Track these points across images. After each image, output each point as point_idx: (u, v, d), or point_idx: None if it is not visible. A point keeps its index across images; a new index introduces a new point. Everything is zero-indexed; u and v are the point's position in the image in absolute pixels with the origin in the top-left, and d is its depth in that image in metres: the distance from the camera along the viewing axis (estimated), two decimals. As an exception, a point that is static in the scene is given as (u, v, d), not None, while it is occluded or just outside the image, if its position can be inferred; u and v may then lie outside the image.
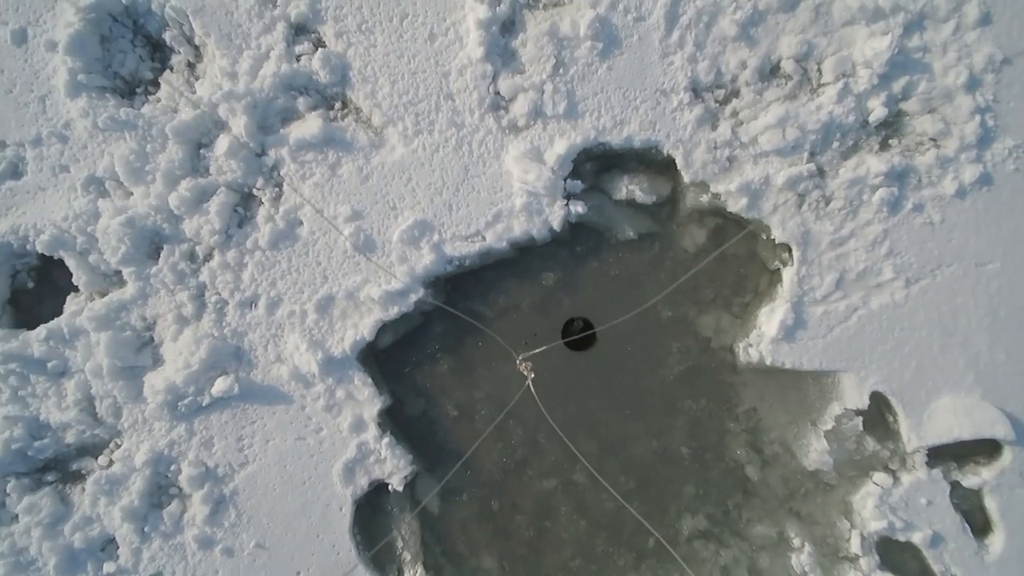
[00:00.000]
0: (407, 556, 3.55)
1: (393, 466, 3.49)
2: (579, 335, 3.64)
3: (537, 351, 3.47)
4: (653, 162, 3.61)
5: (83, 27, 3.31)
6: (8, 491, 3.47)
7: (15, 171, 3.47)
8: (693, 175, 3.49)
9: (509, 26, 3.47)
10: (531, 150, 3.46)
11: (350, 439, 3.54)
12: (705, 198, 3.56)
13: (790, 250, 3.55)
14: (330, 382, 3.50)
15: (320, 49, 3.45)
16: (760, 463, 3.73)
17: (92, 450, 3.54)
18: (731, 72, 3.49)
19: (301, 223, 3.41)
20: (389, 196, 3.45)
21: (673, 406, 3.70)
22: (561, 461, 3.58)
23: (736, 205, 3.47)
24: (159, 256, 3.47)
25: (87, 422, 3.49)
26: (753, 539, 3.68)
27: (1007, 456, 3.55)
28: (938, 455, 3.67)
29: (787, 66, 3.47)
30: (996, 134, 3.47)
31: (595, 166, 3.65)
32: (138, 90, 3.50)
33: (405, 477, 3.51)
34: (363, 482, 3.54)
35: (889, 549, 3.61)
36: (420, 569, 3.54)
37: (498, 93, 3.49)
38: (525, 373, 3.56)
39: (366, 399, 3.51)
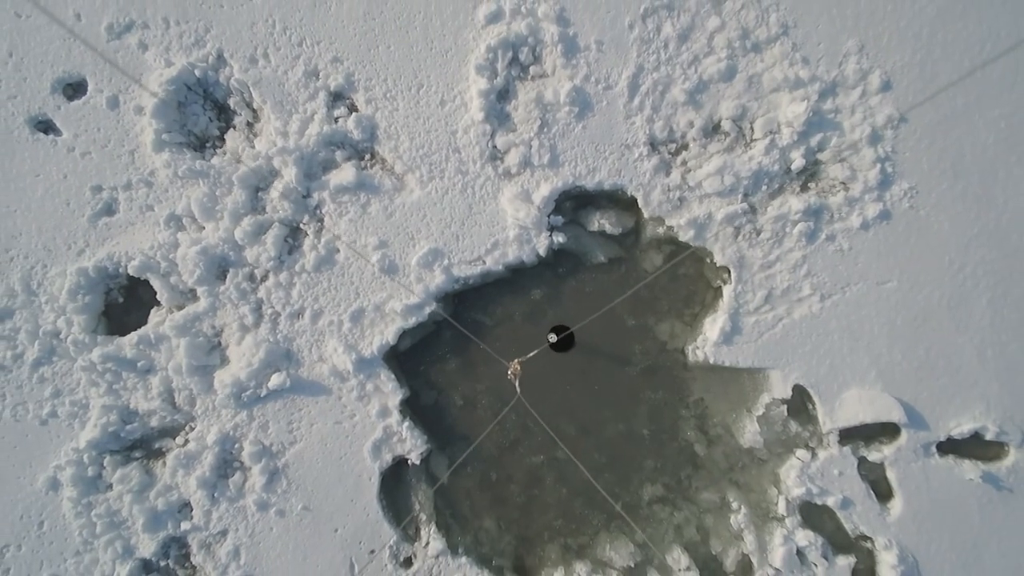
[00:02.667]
0: (423, 517, 4.06)
1: (411, 444, 4.01)
2: (561, 337, 4.07)
3: (527, 357, 3.73)
4: (620, 201, 4.11)
5: (165, 96, 3.80)
6: (104, 465, 3.94)
7: (109, 209, 3.93)
8: (651, 211, 4.01)
9: (504, 94, 3.96)
10: (522, 192, 3.95)
11: (377, 423, 4.01)
12: (661, 230, 4.06)
13: (729, 271, 4.01)
14: (361, 377, 3.98)
15: (354, 112, 3.94)
16: (706, 442, 4.18)
17: (171, 432, 3.99)
18: (681, 130, 3.98)
19: (338, 251, 3.93)
20: (408, 229, 3.97)
21: (636, 396, 4.19)
22: (547, 441, 4.06)
23: (685, 235, 3.98)
24: (226, 277, 3.94)
25: (168, 410, 3.96)
26: (700, 503, 4.16)
27: (904, 436, 4.00)
28: (848, 435, 4.07)
29: (726, 125, 3.97)
30: (894, 179, 3.95)
31: (573, 204, 4.12)
32: (208, 145, 3.98)
33: (421, 453, 4.03)
34: (388, 457, 4.02)
35: (809, 511, 4.04)
36: (433, 528, 4.04)
37: (495, 147, 3.96)
38: (512, 379, 3.75)
39: (390, 391, 4.00)
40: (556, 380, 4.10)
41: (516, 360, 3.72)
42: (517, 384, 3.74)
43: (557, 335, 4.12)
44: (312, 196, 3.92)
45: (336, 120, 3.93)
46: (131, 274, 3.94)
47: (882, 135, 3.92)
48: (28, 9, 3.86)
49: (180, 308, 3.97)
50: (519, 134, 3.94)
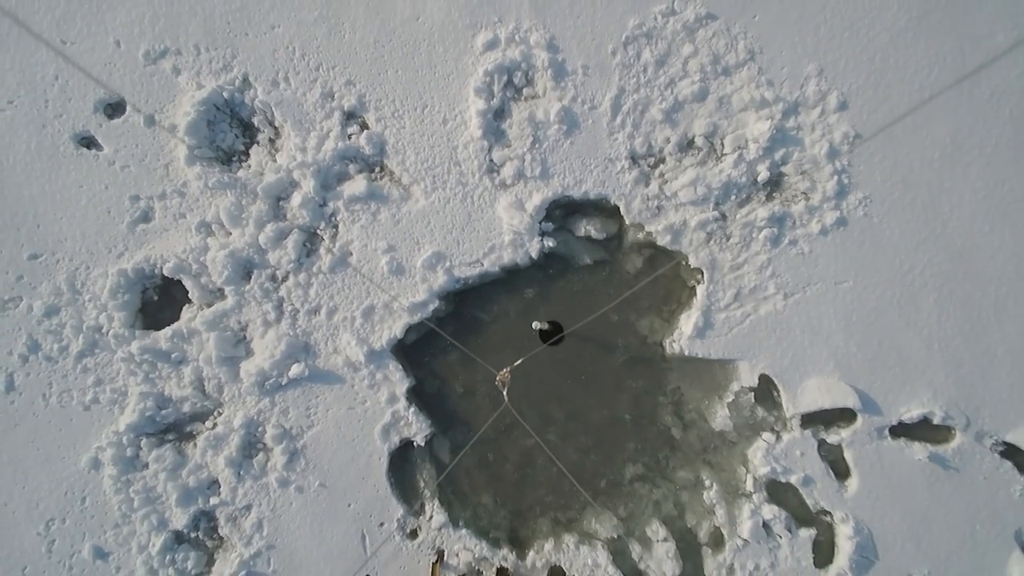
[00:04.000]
0: (427, 493, 4.36)
1: (417, 428, 4.32)
2: (551, 336, 4.36)
3: (515, 364, 3.92)
4: (604, 209, 4.42)
5: (196, 115, 4.14)
6: (141, 446, 4.24)
7: (146, 217, 4.25)
8: (632, 219, 4.33)
9: (500, 114, 4.29)
10: (516, 202, 4.28)
11: (386, 408, 4.31)
12: (641, 235, 4.37)
13: (702, 273, 4.32)
14: (372, 368, 4.30)
15: (365, 130, 4.28)
16: (682, 426, 4.48)
17: (202, 416, 4.30)
18: (659, 145, 4.30)
19: (351, 254, 4.25)
20: (414, 234, 4.29)
21: (619, 385, 4.49)
22: (538, 426, 4.40)
23: (663, 240, 4.31)
24: (251, 278, 4.25)
25: (199, 397, 4.27)
26: (677, 481, 4.45)
27: (859, 421, 4.29)
28: (809, 420, 4.36)
29: (699, 141, 4.30)
30: (849, 189, 4.27)
31: (562, 212, 4.43)
32: (234, 159, 4.30)
33: (425, 436, 4.34)
34: (395, 439, 4.33)
35: (774, 488, 4.33)
36: (436, 503, 4.34)
37: (492, 161, 4.28)
38: (501, 387, 3.93)
39: (397, 380, 4.32)
40: (547, 370, 4.41)
41: (506, 368, 3.94)
42: (505, 393, 3.97)
43: (544, 328, 4.39)
44: (328, 205, 4.25)
45: (349, 137, 4.27)
46: (166, 275, 4.26)
47: (839, 150, 4.24)
48: (72, 37, 4.23)
49: (210, 305, 4.28)
50: (513, 149, 4.26)
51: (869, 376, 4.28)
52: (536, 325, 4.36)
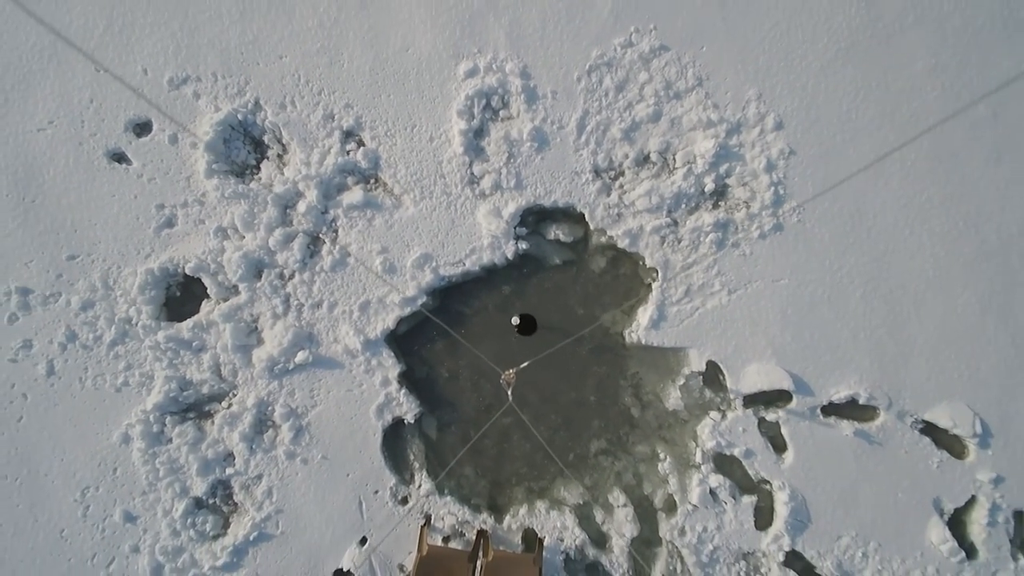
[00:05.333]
0: (416, 465, 4.68)
1: (407, 408, 4.61)
2: (526, 327, 4.74)
3: (521, 367, 4.14)
4: (571, 216, 4.75)
5: (214, 134, 4.53)
6: (166, 423, 4.52)
7: (170, 223, 4.58)
8: (596, 224, 4.67)
9: (479, 133, 4.64)
10: (494, 209, 4.61)
11: (380, 391, 4.58)
12: (604, 239, 4.71)
13: (656, 272, 4.65)
14: (367, 355, 4.57)
15: (361, 147, 4.62)
16: (640, 406, 4.77)
17: (219, 397, 4.60)
18: (618, 160, 4.65)
19: (349, 255, 4.59)
20: (404, 238, 4.61)
21: (585, 371, 4.79)
22: (504, 408, 4.52)
23: (623, 243, 4.65)
24: (261, 276, 4.57)
25: (216, 380, 4.57)
26: (636, 455, 4.75)
27: (794, 401, 4.59)
28: (750, 400, 4.62)
29: (653, 157, 4.65)
30: (785, 199, 4.62)
31: (534, 218, 4.75)
32: (247, 172, 4.64)
33: (415, 415, 4.62)
34: (388, 418, 4.58)
35: (720, 460, 4.62)
36: (424, 473, 4.64)
37: (473, 174, 4.61)
38: (506, 387, 4.13)
39: (390, 366, 4.59)
40: (521, 358, 4.73)
41: (512, 370, 4.09)
42: (509, 392, 4.14)
43: (521, 322, 4.79)
44: (329, 212, 4.62)
45: (348, 152, 4.63)
46: (187, 273, 4.60)
47: (776, 164, 4.63)
48: (106, 64, 4.74)
49: (225, 300, 4.61)
50: (491, 164, 4.64)
51: (803, 362, 4.61)
52: (516, 320, 4.76)
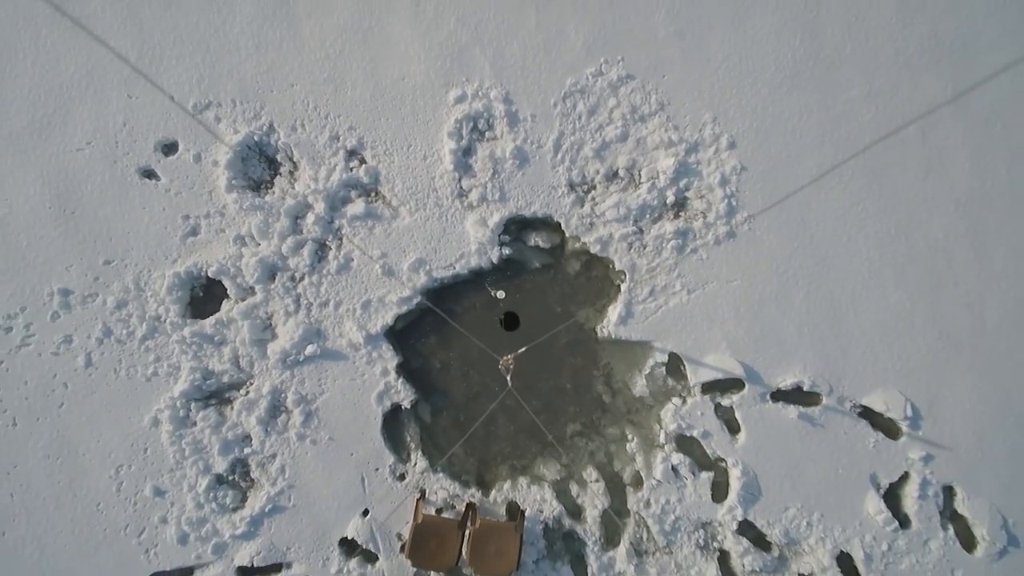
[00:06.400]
0: (412, 446, 5.09)
1: (404, 395, 4.97)
2: (510, 322, 5.21)
3: (518, 352, 4.41)
4: (549, 224, 5.12)
5: (233, 154, 4.97)
6: (191, 409, 4.89)
7: (194, 232, 4.96)
8: (571, 232, 5.07)
9: (467, 151, 5.05)
10: (480, 219, 5.01)
11: (380, 379, 4.90)
12: (578, 245, 5.11)
13: (624, 274, 5.05)
14: (369, 348, 4.88)
15: (363, 164, 5.00)
16: (611, 393, 5.12)
17: (237, 386, 4.92)
18: (590, 176, 5.07)
19: (353, 260, 5.02)
20: (402, 244, 5.01)
21: (562, 362, 5.16)
22: (501, 392, 4.91)
23: (594, 249, 5.06)
24: (275, 278, 4.89)
25: (235, 370, 4.89)
26: (607, 436, 5.11)
27: (746, 388, 4.97)
28: (707, 388, 4.96)
29: (621, 172, 5.07)
30: (737, 210, 5.05)
31: (516, 227, 5.08)
32: (262, 187, 5.06)
33: (411, 401, 5.00)
34: (387, 403, 4.92)
35: (681, 441, 4.97)
36: (419, 453, 5.07)
37: (462, 188, 4.99)
38: (504, 372, 4.34)
39: (389, 358, 4.91)
40: (507, 350, 4.88)
41: (510, 355, 4.31)
42: (509, 378, 4.35)
43: (506, 319, 5.27)
44: (335, 222, 5.02)
45: (351, 169, 5.03)
46: (210, 276, 5.00)
47: (729, 179, 5.08)
48: (137, 92, 5.24)
49: (243, 300, 5.01)
50: (478, 179, 5.05)
51: (753, 353, 4.98)
52: (500, 317, 5.33)
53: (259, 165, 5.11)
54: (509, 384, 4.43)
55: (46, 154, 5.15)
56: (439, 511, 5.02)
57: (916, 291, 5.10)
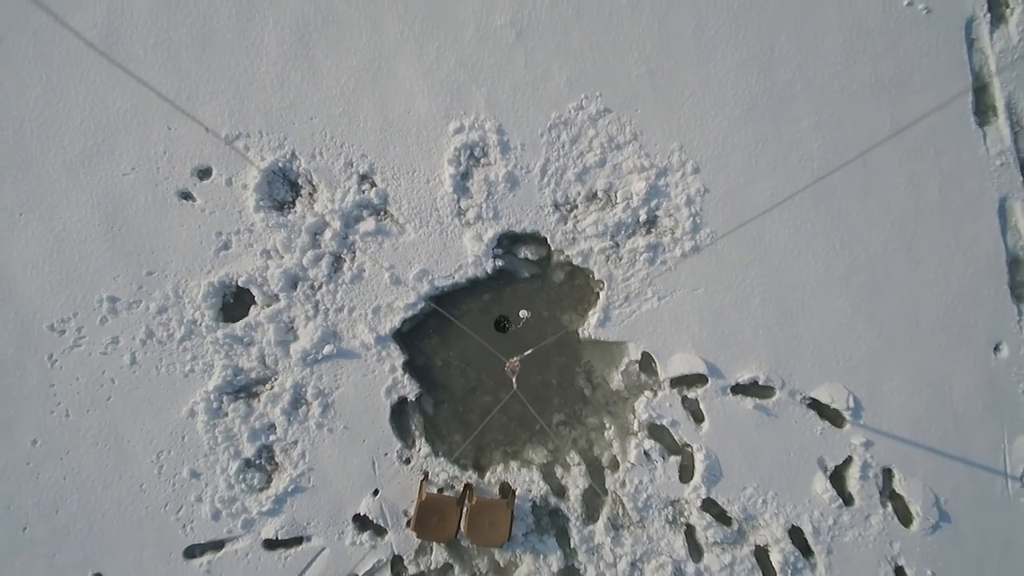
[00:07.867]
0: (416, 434, 5.41)
1: (409, 389, 5.32)
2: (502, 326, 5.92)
3: (525, 354, 4.66)
4: (537, 239, 5.42)
5: (260, 179, 5.47)
6: (223, 401, 5.29)
7: (226, 246, 5.32)
8: (556, 246, 5.35)
9: (465, 176, 5.44)
10: (476, 235, 5.34)
11: (388, 376, 5.29)
12: (563, 257, 5.42)
13: (603, 283, 5.33)
14: (379, 348, 5.25)
15: (374, 187, 5.39)
16: (591, 387, 5.50)
17: (264, 381, 5.28)
18: (573, 197, 5.45)
19: (365, 271, 5.51)
20: (407, 257, 5.32)
21: (548, 360, 5.54)
22: (496, 386, 5.52)
23: (576, 261, 5.38)
24: (297, 287, 5.25)
25: (262, 368, 5.25)
26: (588, 425, 5.49)
27: (709, 383, 5.33)
28: (675, 382, 5.34)
29: (600, 194, 5.44)
30: (701, 226, 5.44)
31: (508, 241, 5.39)
32: (285, 207, 5.51)
33: (415, 395, 5.33)
34: (395, 397, 5.29)
35: (653, 429, 5.36)
36: (423, 439, 5.41)
37: (460, 208, 5.28)
38: (510, 374, 4.51)
39: (396, 356, 5.28)
40: (503, 353, 5.23)
41: (515, 358, 4.52)
42: (514, 380, 4.54)
43: (498, 324, 5.83)
44: (349, 237, 5.49)
45: (363, 192, 5.49)
46: (240, 285, 5.44)
47: (694, 200, 5.53)
48: (176, 124, 5.88)
49: (269, 306, 5.46)
50: (475, 200, 5.50)
51: (715, 352, 5.37)
52: (495, 321, 5.96)
53: (283, 188, 5.47)
54: (515, 386, 4.63)
55: (96, 179, 5.66)
56: (440, 490, 5.37)
57: (858, 298, 5.51)
